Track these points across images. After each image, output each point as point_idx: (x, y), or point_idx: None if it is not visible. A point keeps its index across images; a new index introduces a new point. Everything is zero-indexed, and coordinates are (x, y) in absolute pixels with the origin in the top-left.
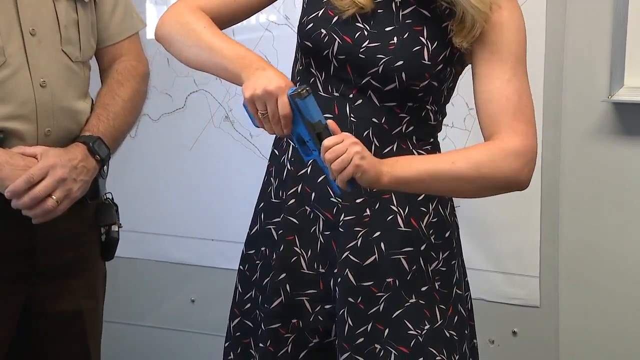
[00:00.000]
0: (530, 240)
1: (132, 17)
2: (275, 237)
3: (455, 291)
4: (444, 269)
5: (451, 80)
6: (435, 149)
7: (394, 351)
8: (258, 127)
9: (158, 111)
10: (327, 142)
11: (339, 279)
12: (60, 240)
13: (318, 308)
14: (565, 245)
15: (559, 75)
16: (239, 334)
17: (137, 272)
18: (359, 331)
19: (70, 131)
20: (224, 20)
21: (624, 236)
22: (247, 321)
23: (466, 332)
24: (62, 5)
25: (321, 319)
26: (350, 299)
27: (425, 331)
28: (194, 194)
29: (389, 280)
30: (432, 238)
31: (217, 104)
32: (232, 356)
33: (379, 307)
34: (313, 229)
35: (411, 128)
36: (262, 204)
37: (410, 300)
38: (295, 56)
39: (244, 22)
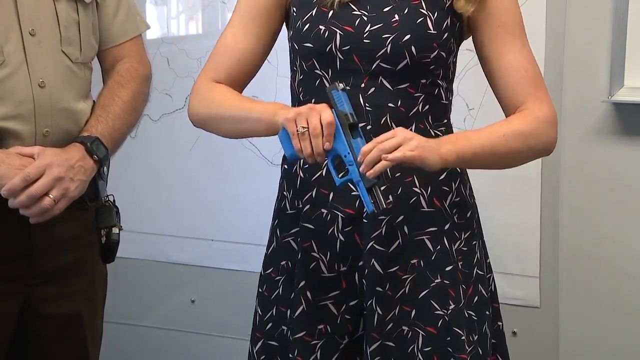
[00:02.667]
0: (530, 240)
1: (135, 19)
2: (295, 248)
3: (476, 271)
4: (465, 248)
5: (454, 54)
6: (449, 129)
7: (421, 332)
8: (293, 156)
9: (158, 112)
10: (379, 138)
11: (366, 270)
12: (58, 243)
13: (343, 308)
14: (565, 246)
15: (559, 75)
16: (263, 357)
17: (138, 272)
18: (387, 318)
19: (69, 132)
20: (240, 81)
21: (624, 236)
22: (271, 342)
23: (487, 312)
24: (63, 5)
25: (348, 317)
26: (378, 288)
27: (450, 311)
28: (194, 195)
29: (413, 261)
30: (455, 217)
31: None
32: None
33: (405, 289)
34: (330, 230)
35: (427, 107)
36: (276, 220)
37: (436, 281)
38: (292, 69)
39: None
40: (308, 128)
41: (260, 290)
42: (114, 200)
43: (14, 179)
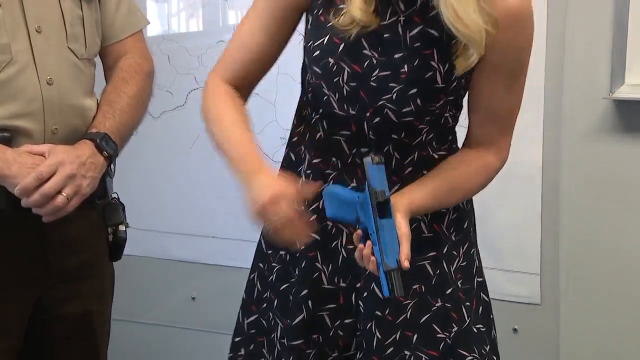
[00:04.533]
0: (531, 237)
1: (136, 15)
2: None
3: (476, 280)
4: (464, 263)
5: (464, 90)
6: (451, 148)
7: (424, 355)
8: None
9: (159, 109)
10: (406, 252)
11: (365, 293)
12: (70, 243)
13: (338, 322)
14: (566, 243)
15: (559, 73)
16: (254, 331)
17: (138, 269)
18: (387, 342)
19: (77, 128)
20: (252, 79)
21: (625, 233)
22: (262, 320)
23: (491, 316)
24: (67, 2)
25: (341, 333)
26: (377, 312)
27: (453, 334)
28: (194, 192)
29: (415, 287)
30: (452, 236)
31: None
32: (242, 352)
33: (407, 315)
34: (335, 243)
35: (431, 135)
36: None
37: (437, 304)
38: (306, 68)
39: None
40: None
41: (261, 265)
42: (118, 197)
43: (26, 178)
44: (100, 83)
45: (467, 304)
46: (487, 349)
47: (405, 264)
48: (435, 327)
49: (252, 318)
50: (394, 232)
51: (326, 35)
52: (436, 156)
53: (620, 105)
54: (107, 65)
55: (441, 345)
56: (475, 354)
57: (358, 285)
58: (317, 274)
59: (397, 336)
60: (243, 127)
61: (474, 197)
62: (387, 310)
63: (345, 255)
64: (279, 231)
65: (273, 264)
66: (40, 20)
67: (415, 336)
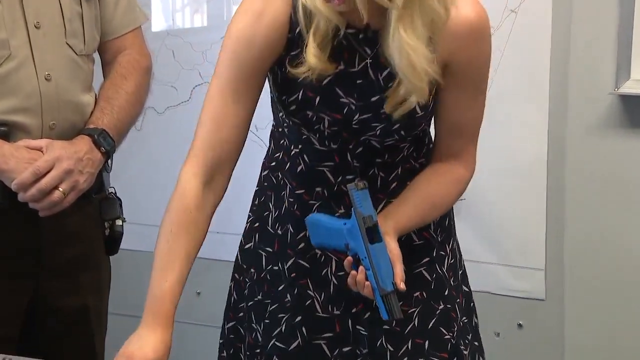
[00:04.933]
0: (536, 233)
1: (134, 11)
2: (263, 267)
3: (459, 274)
4: (452, 261)
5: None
6: (428, 148)
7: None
8: None
9: (163, 104)
10: (400, 273)
11: (366, 315)
12: (66, 236)
13: (336, 352)
14: (571, 238)
15: (564, 68)
16: (232, 336)
17: (143, 264)
18: (400, 353)
19: (75, 124)
20: (232, 154)
21: (629, 229)
22: (240, 328)
23: (471, 304)
24: None
25: None
26: (385, 327)
27: (455, 332)
28: None
29: (416, 294)
30: (439, 237)
31: None
32: (225, 354)
33: (414, 323)
34: (325, 271)
35: (412, 149)
36: (257, 224)
37: (440, 307)
38: (277, 107)
39: None
40: None
41: (236, 276)
42: (115, 192)
43: (24, 173)
44: (98, 79)
45: (458, 300)
46: (469, 337)
47: (402, 286)
48: (442, 329)
49: (230, 324)
50: (386, 256)
51: (299, 90)
52: (417, 165)
53: (626, 101)
54: (105, 61)
55: (449, 346)
56: (463, 346)
57: (354, 310)
58: (309, 301)
59: (409, 346)
60: (179, 271)
61: (479, 192)
62: (394, 323)
63: (336, 282)
64: None
65: (246, 279)
66: (39, 16)
67: (427, 343)
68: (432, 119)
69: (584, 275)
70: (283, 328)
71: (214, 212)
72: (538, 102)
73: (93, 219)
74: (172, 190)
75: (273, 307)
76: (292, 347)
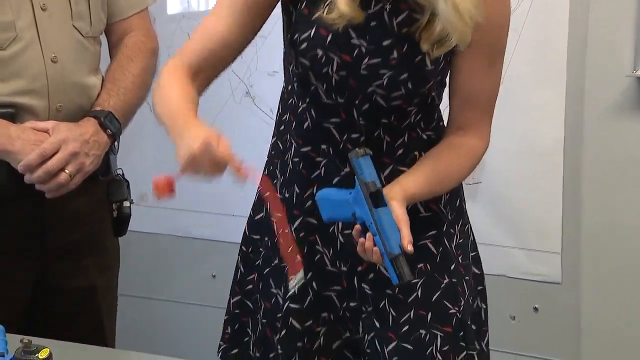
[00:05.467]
0: (552, 216)
1: None
2: (277, 233)
3: (471, 256)
4: (461, 241)
5: (449, 71)
6: (438, 126)
7: (439, 333)
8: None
9: None
10: (408, 236)
11: (371, 275)
12: (72, 218)
13: (345, 304)
14: (588, 222)
15: (582, 50)
16: (238, 311)
17: (160, 247)
18: (403, 319)
19: (82, 106)
20: (212, 69)
21: None
22: (247, 302)
23: (479, 288)
24: None
25: (348, 315)
26: (388, 291)
27: (462, 307)
28: None
29: (420, 265)
30: (449, 215)
31: (237, 80)
32: (229, 330)
33: (417, 294)
34: (332, 228)
35: (419, 116)
36: (267, 192)
37: (445, 281)
38: (289, 57)
39: None
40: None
41: (244, 249)
42: (123, 174)
43: (30, 155)
44: (105, 61)
45: (467, 278)
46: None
47: (409, 247)
48: (447, 303)
49: (236, 298)
50: (391, 220)
51: (312, 28)
52: (425, 137)
53: None
54: (111, 42)
55: (454, 320)
56: (475, 327)
57: (359, 268)
58: (319, 256)
59: (412, 315)
60: (185, 98)
61: (495, 175)
62: (397, 290)
63: (342, 240)
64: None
65: (260, 249)
66: None
67: (430, 314)
68: (441, 89)
69: (600, 259)
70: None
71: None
72: (555, 84)
73: (100, 200)
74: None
75: (287, 270)
76: (305, 304)
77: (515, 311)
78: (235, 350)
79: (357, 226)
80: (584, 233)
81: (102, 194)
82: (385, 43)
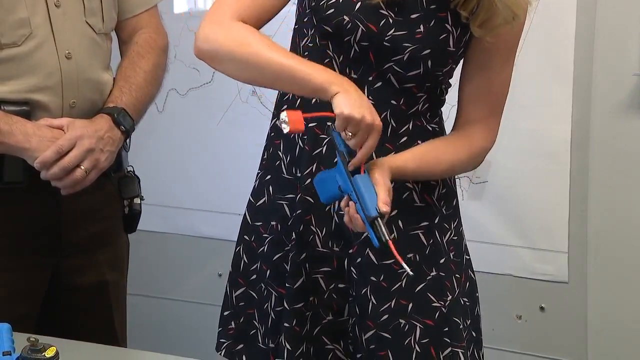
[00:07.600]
0: (559, 215)
1: None
2: (289, 215)
3: (465, 257)
4: (455, 237)
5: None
6: (440, 120)
7: (419, 325)
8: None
9: (185, 86)
10: (383, 197)
11: (359, 259)
12: (84, 214)
13: (332, 286)
14: (594, 221)
15: (589, 49)
16: (242, 303)
17: (166, 246)
18: (383, 308)
19: (95, 103)
20: (260, 21)
21: None
22: (252, 292)
23: (476, 294)
24: None
25: (335, 296)
26: (372, 278)
27: (448, 302)
28: (221, 169)
29: (409, 255)
30: (443, 210)
31: None
32: (233, 325)
33: (402, 283)
34: (328, 207)
35: (427, 106)
36: (269, 176)
37: (432, 274)
38: (303, 31)
39: None
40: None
41: (247, 238)
42: (133, 171)
43: (46, 152)
44: (115, 58)
45: (457, 275)
46: (468, 322)
47: (384, 208)
48: (431, 296)
49: (240, 291)
50: (369, 185)
51: None
52: (429, 128)
53: None
54: (122, 39)
55: (437, 314)
56: (462, 323)
57: (350, 251)
58: (311, 236)
59: (392, 304)
60: (284, 50)
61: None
62: (382, 277)
63: (337, 220)
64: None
65: (264, 235)
66: None
67: (411, 305)
68: (448, 86)
69: (607, 258)
70: (289, 266)
71: None
72: (562, 83)
73: (112, 197)
74: (195, 172)
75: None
76: (297, 284)
77: (522, 310)
78: (240, 346)
79: (345, 198)
80: (591, 232)
81: (114, 191)
82: (413, 16)
